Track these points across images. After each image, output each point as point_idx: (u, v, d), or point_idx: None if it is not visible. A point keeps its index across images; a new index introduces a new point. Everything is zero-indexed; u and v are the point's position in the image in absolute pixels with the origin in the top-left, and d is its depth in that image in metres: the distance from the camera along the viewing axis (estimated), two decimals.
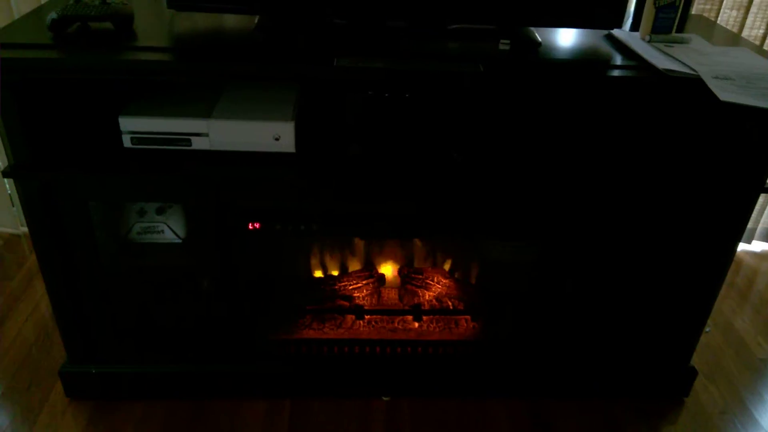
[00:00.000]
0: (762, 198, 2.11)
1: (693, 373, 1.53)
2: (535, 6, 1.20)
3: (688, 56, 1.19)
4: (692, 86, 1.10)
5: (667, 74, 1.11)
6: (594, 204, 1.26)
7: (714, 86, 1.08)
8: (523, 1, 1.19)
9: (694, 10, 1.77)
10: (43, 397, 1.46)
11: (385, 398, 1.50)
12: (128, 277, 1.33)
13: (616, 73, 1.15)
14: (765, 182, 1.26)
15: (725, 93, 1.07)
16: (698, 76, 1.11)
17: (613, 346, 1.48)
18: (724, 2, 1.78)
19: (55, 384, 1.47)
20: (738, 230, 1.31)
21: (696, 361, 1.53)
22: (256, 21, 1.26)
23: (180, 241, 1.29)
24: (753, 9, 1.79)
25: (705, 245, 1.32)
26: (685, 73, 1.12)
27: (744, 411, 1.53)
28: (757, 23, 1.82)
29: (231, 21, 1.32)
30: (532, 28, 1.30)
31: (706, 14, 1.78)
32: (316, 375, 1.49)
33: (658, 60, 1.16)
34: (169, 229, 1.29)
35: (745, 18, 1.80)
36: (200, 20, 1.30)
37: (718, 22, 1.79)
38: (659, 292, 1.39)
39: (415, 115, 1.24)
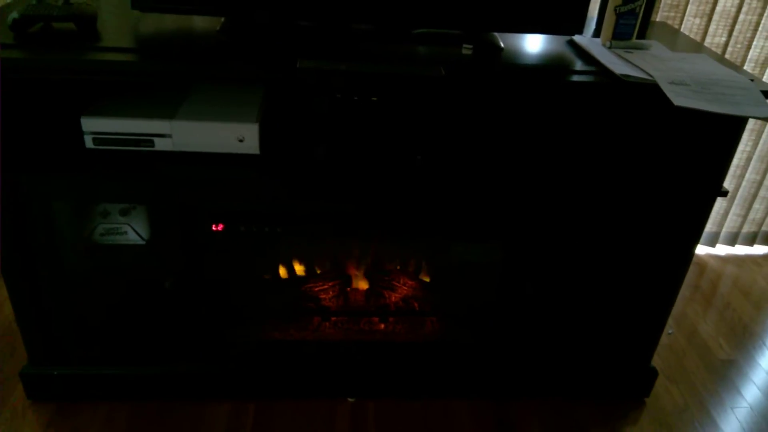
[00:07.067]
0: (725, 202, 2.15)
1: (654, 374, 1.55)
2: (498, 12, 1.22)
3: (646, 62, 1.21)
4: (648, 91, 1.13)
5: (623, 79, 1.13)
6: (555, 206, 1.28)
7: (669, 91, 1.10)
8: (487, 7, 1.21)
9: (658, 18, 1.80)
10: (3, 399, 1.45)
11: (350, 399, 1.51)
12: (91, 279, 1.33)
13: (574, 78, 1.17)
14: (722, 185, 1.29)
15: (679, 98, 1.09)
16: (654, 81, 1.13)
17: (575, 347, 1.50)
18: (688, 10, 1.81)
19: (17, 386, 1.45)
20: (696, 232, 1.34)
21: (659, 363, 1.55)
22: (221, 23, 1.27)
23: (144, 242, 1.29)
24: (715, 17, 1.83)
25: (664, 247, 1.35)
26: (642, 78, 1.14)
27: (703, 411, 1.56)
28: (720, 31, 1.86)
29: (196, 23, 1.32)
30: (496, 34, 1.32)
31: (670, 22, 1.81)
32: (281, 376, 1.49)
33: (617, 65, 1.18)
34: (133, 231, 1.28)
35: (708, 26, 1.84)
36: (165, 22, 1.30)
37: (681, 29, 1.82)
38: (620, 293, 1.41)
39: (380, 118, 1.25)
